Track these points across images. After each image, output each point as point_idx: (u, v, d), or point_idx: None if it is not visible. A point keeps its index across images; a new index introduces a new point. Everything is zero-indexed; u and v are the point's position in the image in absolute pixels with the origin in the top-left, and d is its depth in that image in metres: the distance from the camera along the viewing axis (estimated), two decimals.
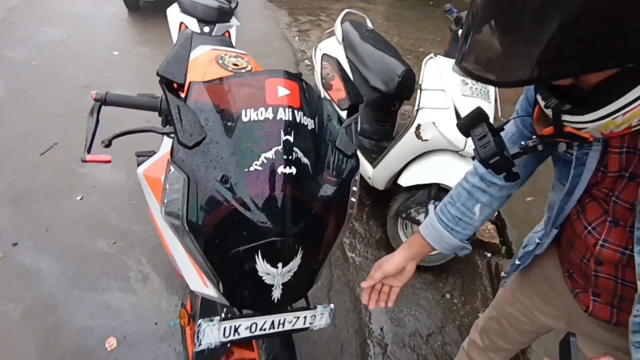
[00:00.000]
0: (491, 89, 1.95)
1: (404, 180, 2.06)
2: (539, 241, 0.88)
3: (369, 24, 2.94)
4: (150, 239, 2.16)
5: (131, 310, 1.79)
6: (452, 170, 1.95)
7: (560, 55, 0.49)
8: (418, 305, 2.00)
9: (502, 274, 1.08)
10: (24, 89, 3.35)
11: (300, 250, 0.88)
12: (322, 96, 1.04)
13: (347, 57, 2.60)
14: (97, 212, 2.30)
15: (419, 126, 1.93)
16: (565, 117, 0.60)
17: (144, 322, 1.76)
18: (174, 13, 2.07)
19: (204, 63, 1.52)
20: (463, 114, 1.89)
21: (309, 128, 0.92)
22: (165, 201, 0.84)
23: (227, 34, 2.10)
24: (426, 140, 1.92)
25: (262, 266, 0.85)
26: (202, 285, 0.90)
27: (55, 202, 2.34)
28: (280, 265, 0.86)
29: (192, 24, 2.01)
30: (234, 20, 2.18)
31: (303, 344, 1.76)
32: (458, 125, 0.71)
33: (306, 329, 1.00)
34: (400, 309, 1.97)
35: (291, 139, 0.86)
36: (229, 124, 0.86)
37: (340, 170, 0.96)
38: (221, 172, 0.82)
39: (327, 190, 0.93)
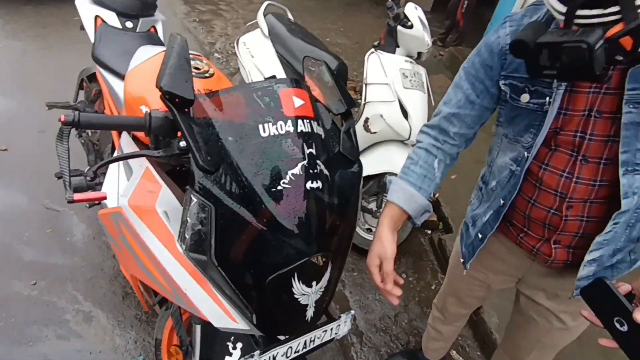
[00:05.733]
0: (425, 80, 2.11)
1: None
2: (485, 219, 0.99)
3: (291, 17, 2.89)
4: (82, 271, 1.86)
5: (81, 358, 1.53)
6: (399, 158, 2.07)
7: None
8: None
9: (461, 259, 1.18)
10: None
11: (329, 264, 0.86)
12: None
13: (276, 52, 2.53)
14: (3, 249, 1.88)
15: (367, 119, 1.99)
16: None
17: None
18: (84, 4, 1.72)
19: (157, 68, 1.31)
20: (407, 105, 2.01)
21: (322, 137, 0.89)
22: (187, 237, 0.73)
23: (152, 29, 1.85)
24: (374, 132, 2.00)
25: (298, 288, 0.81)
26: (229, 320, 0.81)
27: None
28: (314, 283, 0.83)
29: (111, 18, 1.70)
30: (158, 14, 1.92)
31: None
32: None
33: (332, 340, 0.99)
34: (365, 296, 2.05)
35: (314, 151, 0.82)
36: (246, 140, 0.78)
37: (349, 176, 0.95)
38: (247, 195, 0.75)
39: (343, 198, 0.91)
